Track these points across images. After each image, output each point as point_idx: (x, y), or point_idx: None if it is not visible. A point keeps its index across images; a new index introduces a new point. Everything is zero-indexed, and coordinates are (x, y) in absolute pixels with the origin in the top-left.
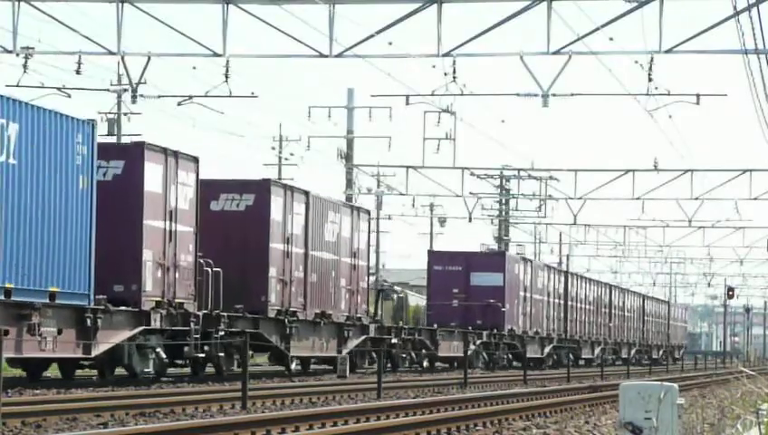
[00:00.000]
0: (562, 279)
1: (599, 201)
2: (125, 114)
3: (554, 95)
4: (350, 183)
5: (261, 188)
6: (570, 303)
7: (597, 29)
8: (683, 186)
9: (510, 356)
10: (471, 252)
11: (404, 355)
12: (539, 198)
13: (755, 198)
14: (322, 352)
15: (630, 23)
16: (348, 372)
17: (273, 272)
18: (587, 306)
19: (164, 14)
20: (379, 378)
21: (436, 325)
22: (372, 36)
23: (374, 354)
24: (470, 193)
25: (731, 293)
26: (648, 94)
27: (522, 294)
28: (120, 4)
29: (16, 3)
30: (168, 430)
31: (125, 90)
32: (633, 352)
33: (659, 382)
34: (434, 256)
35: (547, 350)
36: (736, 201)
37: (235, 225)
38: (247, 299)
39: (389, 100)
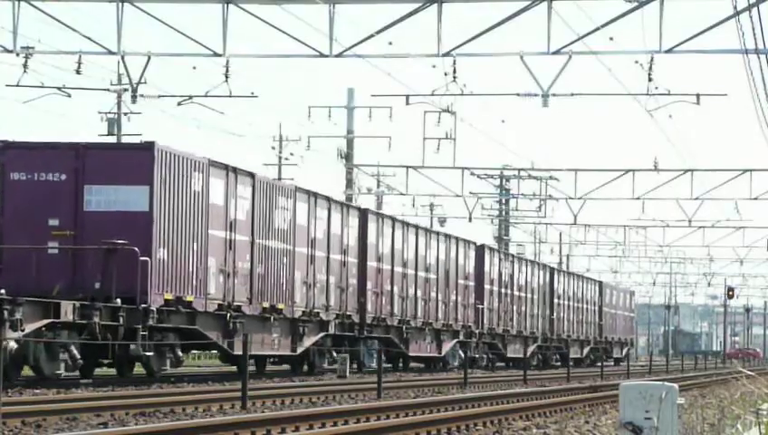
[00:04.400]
0: (355, 223)
1: (599, 201)
2: (125, 114)
3: (554, 95)
4: (350, 183)
5: None
6: (373, 264)
7: (597, 29)
8: (683, 186)
9: (179, 355)
10: (85, 144)
11: None
12: (539, 198)
13: (755, 198)
14: None
15: (630, 23)
16: (348, 371)
17: None
18: (424, 274)
19: (164, 14)
20: (379, 378)
21: (3, 290)
22: (372, 36)
23: None
24: (470, 193)
25: (731, 293)
26: (648, 94)
27: (222, 235)
28: (120, 4)
29: (16, 3)
30: (167, 429)
31: (125, 90)
32: (532, 348)
33: (660, 382)
34: (10, 153)
35: (312, 341)
36: (736, 201)
37: None
38: None
39: (389, 100)
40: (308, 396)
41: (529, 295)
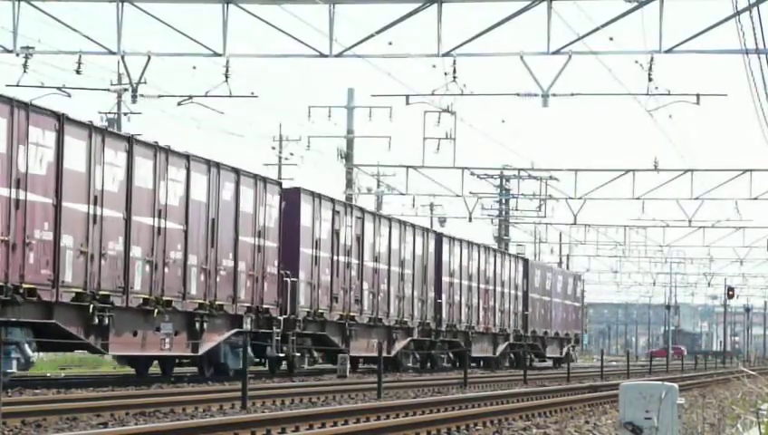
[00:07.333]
0: (51, 139)
1: (599, 201)
2: (125, 114)
3: (554, 95)
4: (350, 183)
5: None
6: (78, 207)
7: (597, 29)
8: (683, 186)
9: None
10: None
11: None
12: (539, 198)
13: (755, 198)
14: None
15: (630, 23)
16: (348, 371)
17: None
18: (177, 227)
19: (164, 14)
20: (380, 378)
21: None
22: (372, 36)
23: None
24: (470, 193)
25: (731, 293)
26: (648, 94)
27: None
28: (120, 4)
29: (16, 3)
30: (167, 429)
31: (125, 90)
32: (403, 343)
33: (660, 382)
34: None
35: None
36: (736, 201)
37: None
38: None
39: (389, 100)
40: (308, 396)
41: (395, 269)
